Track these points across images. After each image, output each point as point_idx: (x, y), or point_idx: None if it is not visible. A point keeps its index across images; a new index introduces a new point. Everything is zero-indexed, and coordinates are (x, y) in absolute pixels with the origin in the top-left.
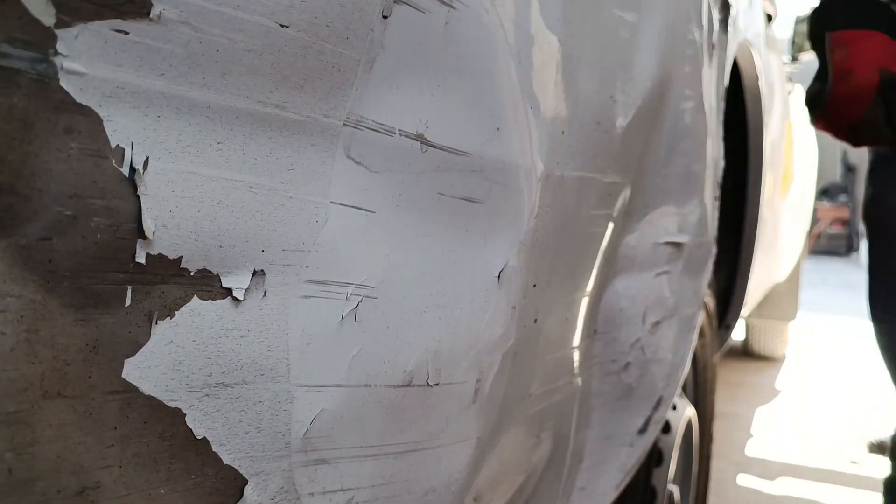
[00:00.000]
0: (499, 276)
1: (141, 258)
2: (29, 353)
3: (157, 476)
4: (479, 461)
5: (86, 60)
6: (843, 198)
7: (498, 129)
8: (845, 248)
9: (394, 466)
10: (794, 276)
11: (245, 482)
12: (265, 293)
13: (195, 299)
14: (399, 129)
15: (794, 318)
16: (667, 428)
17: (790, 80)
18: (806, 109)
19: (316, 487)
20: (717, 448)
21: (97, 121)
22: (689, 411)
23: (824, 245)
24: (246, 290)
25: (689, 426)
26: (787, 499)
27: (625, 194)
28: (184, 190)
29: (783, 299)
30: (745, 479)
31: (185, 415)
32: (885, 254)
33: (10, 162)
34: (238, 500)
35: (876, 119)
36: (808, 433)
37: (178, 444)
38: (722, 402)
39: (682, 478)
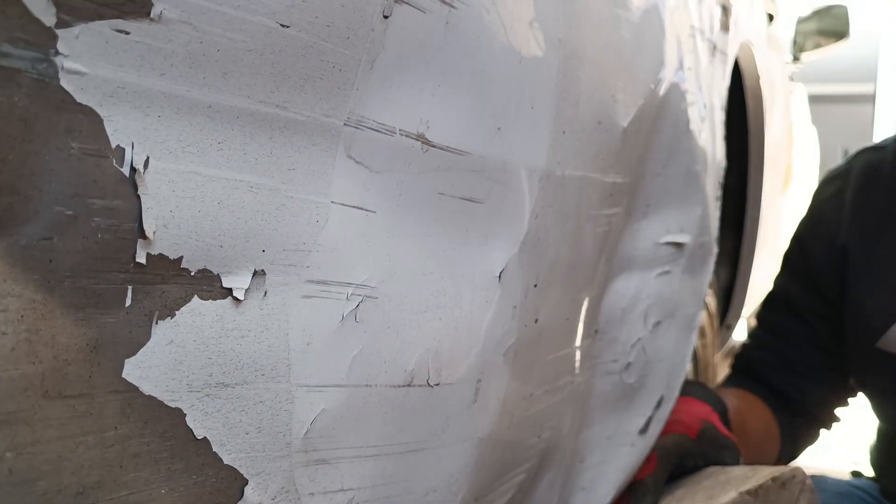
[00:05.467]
0: (499, 276)
1: (141, 258)
2: (30, 352)
3: (157, 476)
4: (479, 461)
5: (86, 60)
6: None
7: (499, 129)
8: None
9: (395, 466)
10: None
11: (245, 482)
12: (266, 293)
13: (196, 299)
14: (400, 129)
15: None
16: None
17: (791, 80)
18: None
19: (316, 487)
20: None
21: (98, 120)
22: None
23: None
24: (246, 290)
25: None
26: None
27: (625, 194)
28: (184, 190)
29: None
30: None
31: (185, 415)
32: None
33: (11, 161)
34: (238, 500)
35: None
36: None
37: (179, 443)
38: None
39: None
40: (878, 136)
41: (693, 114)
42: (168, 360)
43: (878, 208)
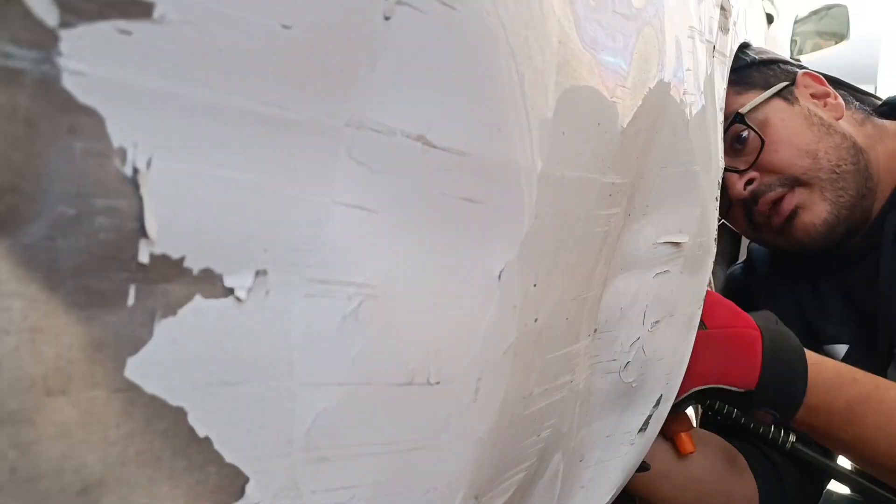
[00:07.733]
0: (499, 276)
1: (144, 257)
2: (33, 351)
3: (159, 474)
4: (479, 460)
5: (89, 61)
6: None
7: (499, 129)
8: None
9: (395, 464)
10: None
11: (247, 480)
12: (268, 292)
13: (198, 298)
14: (400, 130)
15: None
16: None
17: None
18: None
19: (318, 485)
20: None
21: (100, 121)
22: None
23: None
24: (249, 289)
25: None
26: None
27: (624, 194)
28: (186, 189)
29: None
30: None
31: (187, 413)
32: None
33: (14, 161)
34: (240, 498)
35: None
36: None
37: (181, 442)
38: None
39: None
40: None
41: (692, 115)
42: (170, 359)
43: None
